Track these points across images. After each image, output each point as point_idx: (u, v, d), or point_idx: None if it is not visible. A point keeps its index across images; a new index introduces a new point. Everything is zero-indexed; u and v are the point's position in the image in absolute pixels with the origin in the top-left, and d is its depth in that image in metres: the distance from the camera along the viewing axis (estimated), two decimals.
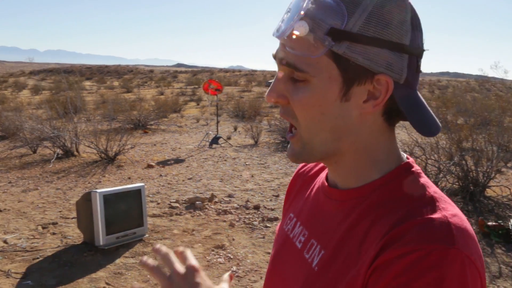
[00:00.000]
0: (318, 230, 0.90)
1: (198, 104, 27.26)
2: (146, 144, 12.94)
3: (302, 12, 0.75)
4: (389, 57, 0.76)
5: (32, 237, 5.58)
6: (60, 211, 6.62)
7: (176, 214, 6.55)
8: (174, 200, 7.15)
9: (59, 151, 10.55)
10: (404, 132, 11.32)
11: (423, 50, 0.81)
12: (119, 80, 57.55)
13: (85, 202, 5.18)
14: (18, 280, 4.47)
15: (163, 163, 10.24)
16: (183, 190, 7.88)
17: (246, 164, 10.15)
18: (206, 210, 6.72)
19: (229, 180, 8.62)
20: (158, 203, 7.04)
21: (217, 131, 13.72)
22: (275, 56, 0.83)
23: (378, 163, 0.84)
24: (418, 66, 0.80)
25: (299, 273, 0.89)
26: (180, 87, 45.62)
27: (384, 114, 0.82)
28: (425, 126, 0.80)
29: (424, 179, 0.83)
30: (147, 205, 6.76)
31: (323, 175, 1.00)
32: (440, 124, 0.82)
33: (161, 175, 9.00)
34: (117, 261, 4.92)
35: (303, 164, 1.14)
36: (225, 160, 10.67)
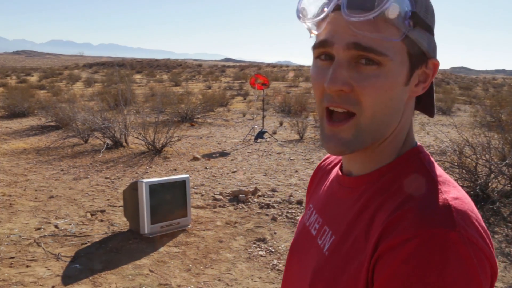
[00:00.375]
0: (330, 217, 0.92)
1: (244, 99, 27.40)
2: (193, 137, 13.13)
3: None
4: (434, 42, 0.83)
5: (81, 223, 5.79)
6: (108, 199, 6.84)
7: (220, 206, 6.63)
8: (218, 193, 7.25)
9: (109, 141, 10.86)
10: (454, 131, 11.05)
11: None
12: (168, 74, 58.51)
13: (132, 192, 5.32)
14: (67, 263, 4.65)
15: (209, 156, 10.38)
16: (227, 183, 7.97)
17: (291, 159, 10.15)
18: (249, 203, 6.78)
19: (273, 175, 8.65)
20: (202, 195, 7.15)
21: (263, 126, 13.78)
22: (325, 42, 0.80)
23: (395, 150, 0.87)
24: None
25: (313, 259, 0.91)
26: (227, 81, 45.96)
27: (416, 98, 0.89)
28: (434, 109, 0.92)
29: (430, 163, 0.84)
30: (192, 197, 6.88)
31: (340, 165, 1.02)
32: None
33: (206, 168, 9.13)
34: (161, 249, 5.04)
35: (325, 158, 1.16)
36: (270, 155, 10.71)
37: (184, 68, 73.66)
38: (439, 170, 0.83)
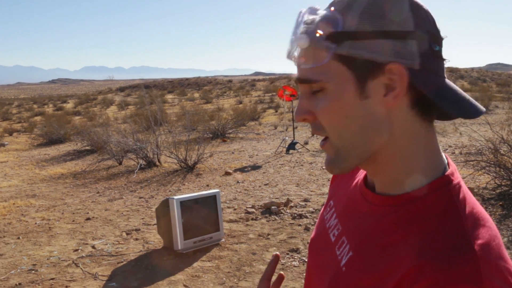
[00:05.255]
0: (349, 229, 0.91)
1: (276, 111, 27.46)
2: (224, 152, 13.24)
3: (301, 30, 0.79)
4: (395, 45, 0.76)
5: (117, 242, 5.91)
6: (142, 218, 6.96)
7: (252, 219, 6.66)
8: (250, 206, 7.28)
9: (142, 162, 11.06)
10: (488, 128, 10.81)
11: (437, 35, 0.79)
12: (199, 91, 59.21)
13: (164, 209, 5.41)
14: (104, 282, 4.75)
15: (241, 170, 10.43)
16: (259, 195, 8.00)
17: (323, 168, 10.11)
18: (282, 214, 6.78)
19: (305, 185, 8.64)
20: (235, 209, 7.19)
21: (294, 137, 13.77)
22: (296, 80, 0.86)
23: (416, 171, 0.81)
24: (434, 50, 0.78)
25: (329, 266, 0.91)
26: (258, 95, 46.17)
27: (414, 106, 0.80)
28: (461, 108, 0.78)
29: (462, 196, 0.79)
30: (224, 211, 6.94)
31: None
32: (481, 107, 0.79)
33: (238, 182, 9.18)
34: (195, 264, 5.10)
35: None
36: (302, 165, 10.70)
37: (214, 85, 74.35)
38: (470, 205, 0.78)
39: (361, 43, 0.76)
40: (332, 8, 0.78)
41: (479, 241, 0.70)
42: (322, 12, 0.79)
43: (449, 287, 0.66)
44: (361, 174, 0.98)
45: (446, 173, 0.81)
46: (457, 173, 0.82)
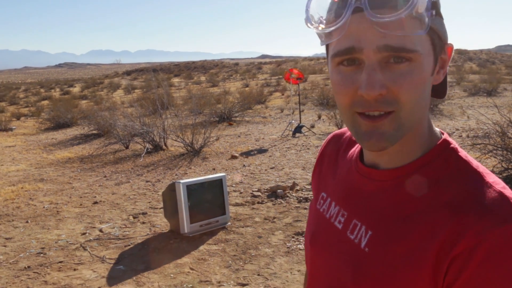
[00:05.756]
0: (359, 210, 0.90)
1: (282, 94, 27.38)
2: (231, 136, 13.25)
3: None
4: (444, 25, 0.83)
5: (124, 226, 5.96)
6: (149, 202, 7.01)
7: (258, 202, 6.69)
8: (256, 189, 7.30)
9: (148, 145, 11.10)
10: (496, 111, 10.74)
11: None
12: (205, 75, 59.13)
13: (170, 193, 5.44)
14: (111, 265, 4.81)
15: (247, 154, 10.45)
16: (266, 179, 8.02)
17: None
18: (288, 198, 6.80)
19: (311, 168, 8.64)
20: (241, 193, 7.22)
21: (300, 120, 13.76)
22: (352, 48, 0.76)
23: (423, 140, 0.86)
24: None
25: (346, 254, 0.89)
26: (264, 78, 46.03)
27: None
28: (446, 89, 0.91)
29: (463, 154, 0.84)
30: (230, 195, 6.97)
31: (352, 152, 1.00)
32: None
33: (244, 165, 9.20)
34: (201, 247, 5.14)
35: (328, 140, 1.14)
36: (308, 149, 10.69)
37: (221, 68, 74.21)
38: (474, 161, 0.83)
39: (439, 19, 0.80)
40: None
41: (500, 185, 0.77)
42: None
43: (498, 228, 0.70)
44: (350, 160, 1.00)
45: (443, 137, 0.87)
46: (453, 140, 0.88)
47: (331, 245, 0.94)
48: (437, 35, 0.79)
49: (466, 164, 0.82)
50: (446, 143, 0.86)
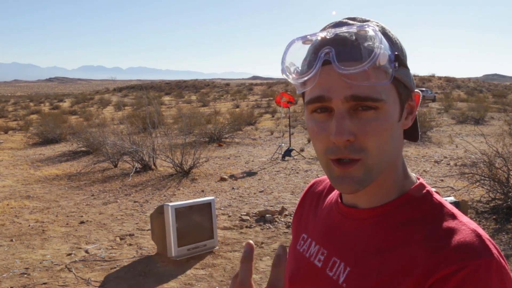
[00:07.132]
0: (338, 249, 0.93)
1: (273, 116, 27.49)
2: (220, 157, 13.23)
3: (379, 44, 0.79)
4: (411, 75, 0.89)
5: (110, 247, 5.90)
6: (136, 223, 6.95)
7: (246, 227, 6.66)
8: (244, 213, 7.28)
9: (137, 165, 11.04)
10: (483, 141, 10.85)
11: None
12: (196, 94, 59.27)
13: (158, 215, 5.40)
14: None
15: (236, 176, 10.43)
16: (254, 203, 8.00)
17: (318, 177, 10.11)
18: (276, 223, 6.78)
19: (300, 193, 8.64)
20: (229, 216, 7.19)
21: (290, 143, 13.79)
22: (322, 97, 0.81)
23: (398, 183, 0.90)
24: None
25: None
26: (255, 99, 46.24)
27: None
28: (418, 133, 0.97)
29: (438, 197, 0.89)
30: (219, 218, 6.94)
31: (333, 196, 1.04)
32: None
33: (233, 188, 9.18)
34: (188, 272, 5.09)
35: (312, 183, 1.17)
36: (297, 173, 10.71)
37: (212, 88, 74.45)
38: (448, 203, 0.88)
39: (404, 69, 0.85)
40: (376, 28, 0.80)
41: (472, 225, 0.81)
42: (371, 30, 0.79)
43: (473, 262, 0.74)
44: (330, 201, 1.04)
45: (419, 181, 0.92)
46: (427, 185, 0.92)
47: (310, 283, 0.97)
48: (402, 84, 0.84)
49: (441, 205, 0.86)
50: (422, 186, 0.90)
